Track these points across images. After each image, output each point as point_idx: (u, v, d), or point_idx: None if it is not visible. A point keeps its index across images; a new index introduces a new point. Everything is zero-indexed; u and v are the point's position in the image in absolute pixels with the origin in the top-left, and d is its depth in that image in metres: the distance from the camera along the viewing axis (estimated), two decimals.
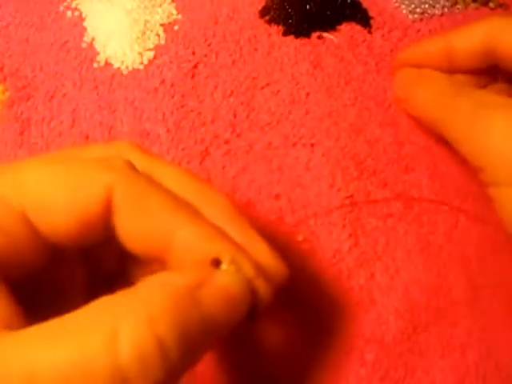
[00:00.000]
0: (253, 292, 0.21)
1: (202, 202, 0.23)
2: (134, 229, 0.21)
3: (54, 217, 0.20)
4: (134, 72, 0.37)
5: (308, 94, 0.37)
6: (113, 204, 0.21)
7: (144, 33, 0.38)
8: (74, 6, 0.39)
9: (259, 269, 0.22)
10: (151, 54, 0.37)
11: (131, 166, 0.22)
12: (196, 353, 0.19)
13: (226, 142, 0.35)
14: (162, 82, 0.36)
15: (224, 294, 0.20)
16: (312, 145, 0.35)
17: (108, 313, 0.17)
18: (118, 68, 0.37)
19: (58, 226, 0.21)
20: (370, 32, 0.39)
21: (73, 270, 0.24)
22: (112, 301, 0.18)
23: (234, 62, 0.37)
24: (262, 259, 0.22)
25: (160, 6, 0.39)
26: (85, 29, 0.38)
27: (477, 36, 0.31)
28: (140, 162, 0.23)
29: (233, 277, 0.20)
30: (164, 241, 0.21)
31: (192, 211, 0.22)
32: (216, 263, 0.21)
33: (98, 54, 0.37)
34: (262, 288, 0.21)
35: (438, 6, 0.41)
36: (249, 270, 0.21)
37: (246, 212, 0.32)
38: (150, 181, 0.22)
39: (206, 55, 0.38)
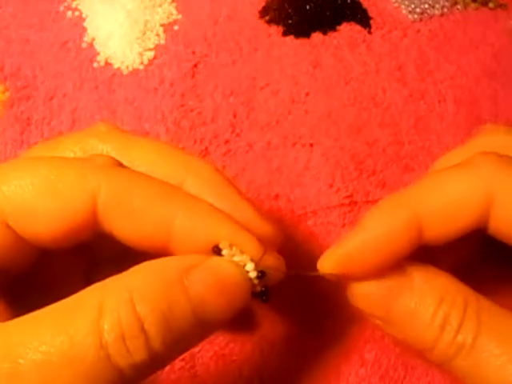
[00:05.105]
0: (263, 271, 0.20)
1: (185, 174, 0.22)
2: (129, 228, 0.20)
3: (36, 225, 0.20)
4: (134, 72, 0.37)
5: (307, 94, 0.37)
6: (99, 208, 0.20)
7: (144, 33, 0.38)
8: (74, 6, 0.39)
9: (267, 245, 0.21)
10: (151, 53, 0.37)
11: (114, 163, 0.21)
12: (184, 338, 0.19)
13: (226, 142, 0.35)
14: (162, 81, 0.36)
15: (217, 279, 0.19)
16: (311, 145, 0.35)
17: (95, 296, 0.18)
18: (118, 68, 0.37)
19: (42, 233, 0.20)
20: (369, 32, 0.39)
21: (69, 265, 0.24)
22: (100, 285, 0.18)
23: (234, 62, 0.37)
24: (251, 227, 0.21)
25: (160, 6, 0.39)
26: (85, 29, 0.38)
27: (473, 198, 0.21)
28: (119, 141, 0.23)
29: (228, 262, 0.20)
30: (163, 233, 0.20)
31: (185, 195, 0.21)
32: (217, 250, 0.20)
33: (98, 54, 0.37)
34: (273, 263, 0.21)
35: (437, 6, 0.41)
36: (255, 249, 0.20)
37: None
38: (136, 174, 0.21)
39: (206, 55, 0.38)
